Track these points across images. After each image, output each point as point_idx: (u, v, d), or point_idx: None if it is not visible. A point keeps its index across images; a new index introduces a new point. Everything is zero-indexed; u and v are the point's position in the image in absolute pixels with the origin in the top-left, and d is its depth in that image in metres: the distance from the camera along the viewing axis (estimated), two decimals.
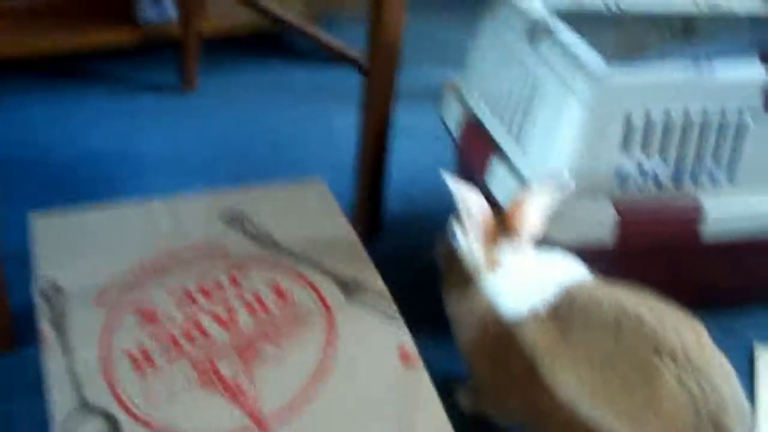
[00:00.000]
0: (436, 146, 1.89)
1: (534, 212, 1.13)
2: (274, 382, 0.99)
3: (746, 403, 0.97)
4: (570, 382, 0.99)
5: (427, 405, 0.98)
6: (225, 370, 1.00)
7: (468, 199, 1.11)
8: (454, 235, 1.19)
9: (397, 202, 1.71)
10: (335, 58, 1.75)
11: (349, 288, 1.11)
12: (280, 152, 1.85)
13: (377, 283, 1.13)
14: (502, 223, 1.13)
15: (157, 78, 2.11)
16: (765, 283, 1.48)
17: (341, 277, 1.13)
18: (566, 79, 1.22)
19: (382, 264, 1.53)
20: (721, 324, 1.47)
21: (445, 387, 1.27)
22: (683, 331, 0.98)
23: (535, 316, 1.04)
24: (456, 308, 1.18)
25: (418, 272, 1.52)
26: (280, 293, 1.10)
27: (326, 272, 1.14)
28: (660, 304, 1.03)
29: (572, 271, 1.12)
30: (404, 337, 1.05)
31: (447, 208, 1.70)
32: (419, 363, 1.02)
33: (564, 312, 1.03)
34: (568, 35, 1.30)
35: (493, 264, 1.12)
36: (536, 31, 1.31)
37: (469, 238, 1.14)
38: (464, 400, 1.25)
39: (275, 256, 1.17)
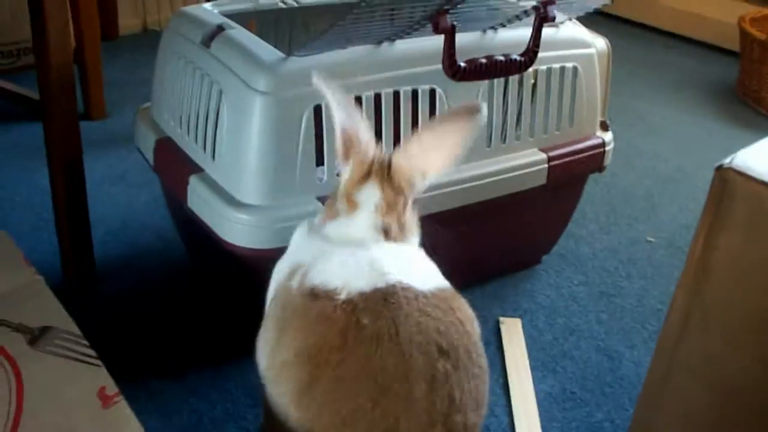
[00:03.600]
0: (151, 186, 1.79)
1: (428, 158, 0.92)
2: None
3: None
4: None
5: None
6: None
7: (351, 123, 0.93)
8: None
9: (113, 246, 1.59)
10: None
11: (36, 338, 0.99)
12: None
13: (70, 328, 1.01)
14: (381, 169, 0.93)
15: None
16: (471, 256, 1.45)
17: (27, 328, 1.00)
18: (245, 76, 1.16)
19: (98, 309, 1.42)
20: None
21: None
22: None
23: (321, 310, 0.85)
24: None
25: (139, 315, 1.42)
26: None
27: (10, 326, 1.01)
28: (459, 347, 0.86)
29: (412, 270, 0.90)
30: (103, 379, 0.94)
31: (164, 246, 1.61)
32: (121, 402, 0.91)
33: (353, 327, 0.83)
34: (242, 34, 1.23)
35: (351, 205, 0.93)
36: (210, 36, 1.23)
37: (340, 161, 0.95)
38: None
39: None
